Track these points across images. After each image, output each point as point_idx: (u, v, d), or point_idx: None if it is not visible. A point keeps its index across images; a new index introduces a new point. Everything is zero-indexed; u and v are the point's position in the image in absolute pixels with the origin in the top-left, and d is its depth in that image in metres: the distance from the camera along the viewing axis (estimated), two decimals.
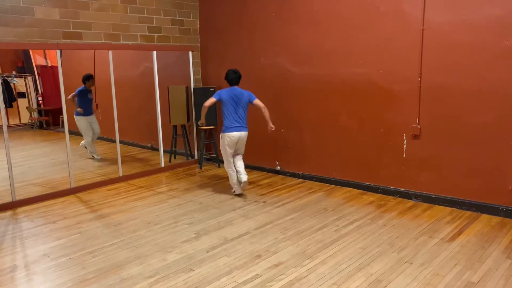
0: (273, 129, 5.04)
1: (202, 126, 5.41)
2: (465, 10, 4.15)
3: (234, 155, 5.11)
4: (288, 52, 5.66)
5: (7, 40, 4.74)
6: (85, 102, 6.84)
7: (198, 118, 6.52)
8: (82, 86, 6.81)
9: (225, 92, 4.92)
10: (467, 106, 4.26)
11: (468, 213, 4.33)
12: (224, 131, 4.93)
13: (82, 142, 7.12)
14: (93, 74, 7.03)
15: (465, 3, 4.14)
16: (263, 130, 6.12)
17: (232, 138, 4.90)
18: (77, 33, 5.32)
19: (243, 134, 4.96)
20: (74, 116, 6.81)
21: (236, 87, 4.97)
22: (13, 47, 4.94)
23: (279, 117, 5.93)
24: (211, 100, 4.91)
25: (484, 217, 4.21)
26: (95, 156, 7.14)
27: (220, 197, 5.11)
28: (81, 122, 6.86)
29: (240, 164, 5.08)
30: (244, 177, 4.98)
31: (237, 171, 5.06)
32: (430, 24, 4.39)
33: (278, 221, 4.27)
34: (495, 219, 4.15)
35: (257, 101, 4.94)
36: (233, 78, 4.96)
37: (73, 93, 6.69)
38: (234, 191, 5.15)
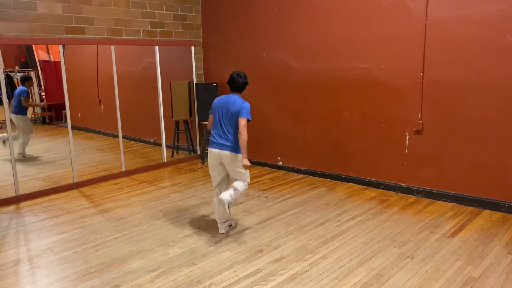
0: (248, 166, 3.65)
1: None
2: (468, 5, 4.13)
3: (222, 189, 3.84)
4: (291, 47, 5.65)
5: (10, 35, 4.75)
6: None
7: (200, 113, 6.52)
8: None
9: (218, 99, 3.83)
10: (470, 101, 4.25)
11: (470, 208, 4.33)
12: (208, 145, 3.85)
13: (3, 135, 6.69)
14: (96, 69, 7.02)
15: None
16: (265, 125, 6.14)
17: (212, 155, 3.75)
18: (80, 28, 5.32)
19: (226, 154, 3.66)
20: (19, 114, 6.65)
21: (233, 94, 3.77)
22: (16, 42, 4.95)
23: (282, 112, 5.93)
24: (209, 117, 3.92)
25: (486, 212, 4.21)
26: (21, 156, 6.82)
27: None
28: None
29: (234, 184, 3.75)
30: (223, 194, 3.64)
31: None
32: (433, 19, 4.37)
33: (280, 216, 4.28)
34: (497, 214, 4.15)
35: (240, 120, 3.60)
36: (231, 84, 3.79)
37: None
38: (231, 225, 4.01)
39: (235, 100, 3.71)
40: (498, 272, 3.03)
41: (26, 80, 6.84)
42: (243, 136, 3.56)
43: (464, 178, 4.41)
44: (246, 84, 3.81)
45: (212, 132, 3.81)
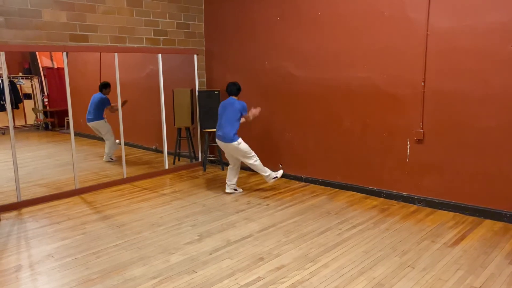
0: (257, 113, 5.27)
1: None
2: (470, 16, 4.16)
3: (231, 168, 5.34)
4: (292, 56, 5.69)
5: (15, 42, 4.80)
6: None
7: (202, 121, 6.55)
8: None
9: (222, 103, 5.18)
10: (471, 111, 4.27)
11: (471, 218, 4.33)
12: None
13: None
14: (99, 76, 7.06)
15: (470, 9, 4.15)
16: (266, 133, 6.16)
17: (218, 143, 5.15)
18: (84, 36, 5.37)
19: (223, 145, 5.08)
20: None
21: (231, 97, 5.13)
22: (21, 49, 4.99)
23: (283, 120, 5.95)
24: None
25: (487, 222, 4.21)
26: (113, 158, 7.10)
27: (223, 200, 5.13)
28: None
29: (231, 175, 5.37)
30: (227, 188, 5.35)
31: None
32: (434, 29, 4.40)
33: (281, 224, 4.29)
34: (498, 224, 4.15)
35: (245, 115, 5.15)
36: (228, 90, 5.17)
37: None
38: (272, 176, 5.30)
39: (234, 101, 5.07)
40: (499, 283, 3.03)
41: (104, 87, 6.80)
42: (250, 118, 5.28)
43: (465, 187, 4.41)
44: (239, 89, 5.22)
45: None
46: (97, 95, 6.82)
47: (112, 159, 7.02)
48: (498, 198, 4.21)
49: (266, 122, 6.15)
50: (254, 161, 5.12)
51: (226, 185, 5.36)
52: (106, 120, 6.87)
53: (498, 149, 4.15)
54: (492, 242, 3.72)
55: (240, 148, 4.99)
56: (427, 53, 4.47)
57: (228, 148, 5.07)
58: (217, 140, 5.13)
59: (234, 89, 5.15)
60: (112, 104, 6.76)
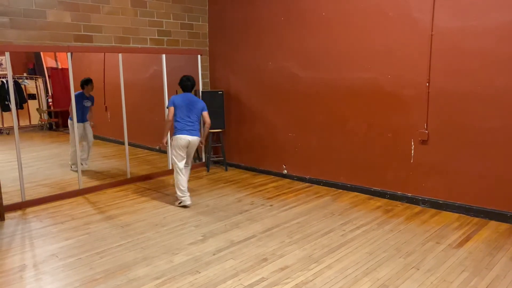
0: (202, 145, 5.10)
1: (165, 145, 5.30)
2: (474, 16, 4.14)
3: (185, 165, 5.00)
4: (296, 57, 5.68)
5: (19, 42, 4.81)
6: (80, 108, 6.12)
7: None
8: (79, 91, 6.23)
9: (178, 98, 4.88)
10: (476, 111, 4.24)
11: (476, 219, 4.30)
12: (175, 134, 4.85)
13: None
14: (103, 77, 7.07)
15: (474, 9, 4.13)
16: (270, 134, 6.16)
17: (183, 140, 4.80)
18: (88, 36, 5.38)
19: (195, 139, 4.86)
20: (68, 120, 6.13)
21: (189, 93, 4.94)
22: (25, 49, 5.01)
23: (287, 121, 5.94)
24: (170, 110, 4.85)
25: (492, 223, 4.18)
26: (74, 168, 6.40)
27: (227, 200, 5.13)
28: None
29: (186, 177, 4.98)
30: (188, 199, 4.90)
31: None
32: (439, 29, 4.38)
33: (285, 224, 4.28)
34: (504, 225, 4.12)
35: (205, 114, 4.94)
36: (187, 85, 4.92)
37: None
38: (181, 202, 4.90)
39: (197, 99, 4.97)
40: (504, 284, 3.00)
41: (85, 84, 6.31)
42: (208, 125, 4.99)
43: (470, 188, 4.38)
44: (194, 85, 5.04)
45: (179, 123, 4.84)
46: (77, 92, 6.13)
47: (72, 167, 6.45)
48: (504, 199, 4.18)
49: (270, 123, 6.14)
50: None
51: (188, 197, 4.92)
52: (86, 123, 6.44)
53: (503, 150, 4.13)
54: (498, 244, 3.70)
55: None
56: (432, 53, 4.45)
57: (194, 142, 4.88)
58: (185, 136, 4.79)
59: (190, 85, 4.95)
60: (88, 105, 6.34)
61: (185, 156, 4.91)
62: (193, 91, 5.04)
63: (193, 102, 4.88)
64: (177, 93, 6.66)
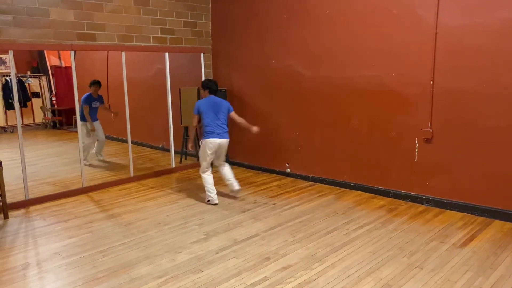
0: (258, 131, 5.04)
1: (191, 150, 5.42)
2: (479, 13, 4.11)
3: (219, 165, 5.12)
4: (300, 55, 5.66)
5: (23, 41, 4.82)
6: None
7: None
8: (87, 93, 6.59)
9: (204, 103, 4.92)
10: (480, 110, 4.21)
11: (481, 218, 4.27)
12: (205, 137, 4.90)
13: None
14: (106, 75, 7.08)
15: (479, 7, 4.10)
16: (273, 132, 6.14)
17: (213, 143, 4.86)
18: (91, 34, 5.38)
19: (224, 141, 4.92)
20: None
21: (214, 96, 4.98)
22: (29, 48, 5.02)
23: (290, 119, 5.93)
24: (195, 117, 5.01)
25: (497, 223, 4.15)
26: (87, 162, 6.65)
27: (229, 199, 5.12)
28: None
29: (229, 173, 5.09)
30: (237, 185, 5.06)
31: (228, 182, 5.08)
32: (444, 27, 4.35)
33: (288, 223, 4.26)
34: (508, 225, 4.09)
35: (233, 115, 4.99)
36: (213, 88, 4.98)
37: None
38: (209, 200, 4.96)
39: (221, 100, 4.99)
40: (509, 284, 2.98)
41: (91, 85, 6.59)
42: (242, 119, 5.08)
43: (474, 187, 4.35)
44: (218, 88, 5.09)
45: (208, 127, 4.90)
46: (86, 95, 6.61)
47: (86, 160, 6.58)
48: (509, 199, 4.15)
49: (273, 121, 6.13)
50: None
51: (235, 182, 5.09)
52: (88, 123, 6.61)
53: (508, 149, 4.09)
54: (502, 243, 3.67)
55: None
56: (436, 51, 4.42)
57: (224, 144, 4.95)
58: (216, 139, 4.86)
59: (217, 88, 5.05)
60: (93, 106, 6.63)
61: (212, 158, 5.00)
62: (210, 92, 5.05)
63: (218, 104, 4.92)
64: (180, 92, 6.69)
